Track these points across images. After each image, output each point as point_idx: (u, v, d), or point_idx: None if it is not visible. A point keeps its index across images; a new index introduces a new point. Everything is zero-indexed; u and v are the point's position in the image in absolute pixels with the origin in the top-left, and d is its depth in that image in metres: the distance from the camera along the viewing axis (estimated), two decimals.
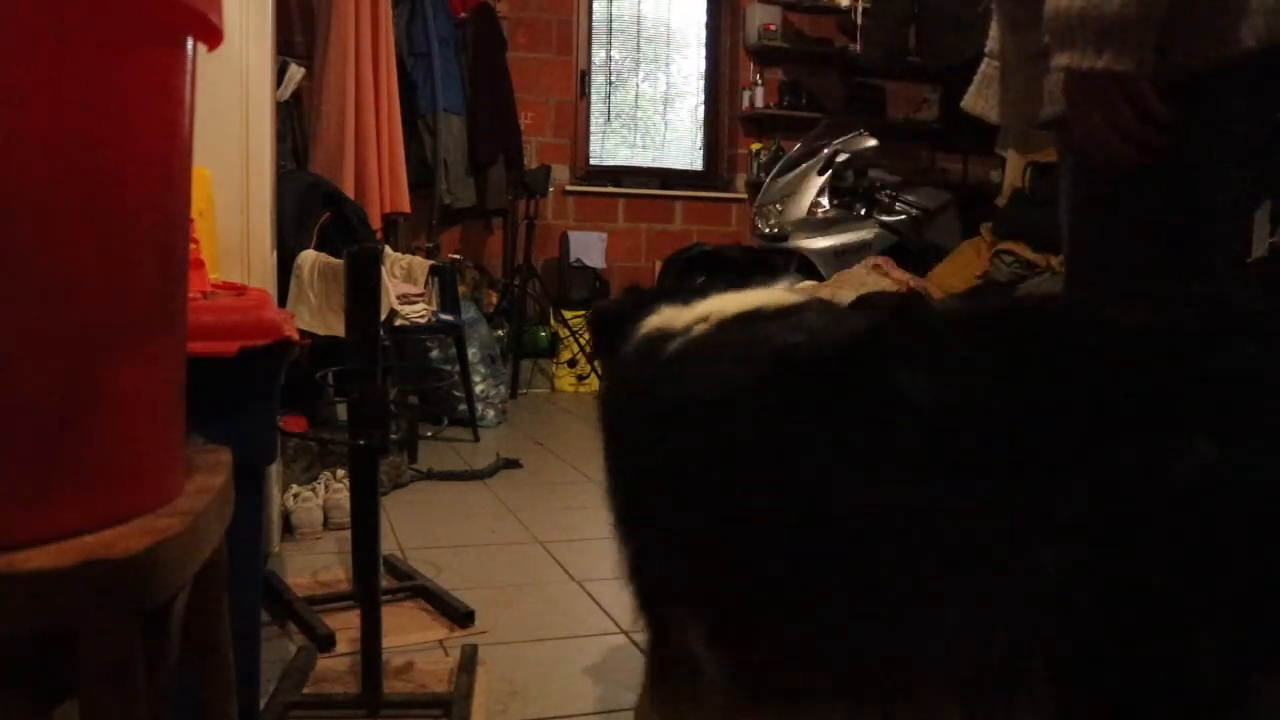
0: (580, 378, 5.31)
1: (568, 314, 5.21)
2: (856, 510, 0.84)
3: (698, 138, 6.05)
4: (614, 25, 5.81)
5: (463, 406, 4.00)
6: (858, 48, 5.64)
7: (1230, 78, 1.12)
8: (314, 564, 2.32)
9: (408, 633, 1.90)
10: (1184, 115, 1.14)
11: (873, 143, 4.58)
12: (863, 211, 4.62)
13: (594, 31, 5.71)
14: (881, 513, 0.83)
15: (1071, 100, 1.18)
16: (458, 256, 5.02)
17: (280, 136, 3.34)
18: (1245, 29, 1.09)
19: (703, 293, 1.14)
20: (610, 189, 5.67)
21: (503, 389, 4.50)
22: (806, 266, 4.41)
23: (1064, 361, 0.82)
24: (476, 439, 3.87)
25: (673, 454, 1.00)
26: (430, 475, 3.20)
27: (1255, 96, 1.15)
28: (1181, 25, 1.12)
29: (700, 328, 1.05)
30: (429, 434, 3.91)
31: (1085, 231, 1.27)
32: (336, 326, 3.13)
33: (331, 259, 3.28)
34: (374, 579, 1.57)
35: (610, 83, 5.85)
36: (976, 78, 1.26)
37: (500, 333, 4.90)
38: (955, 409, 0.82)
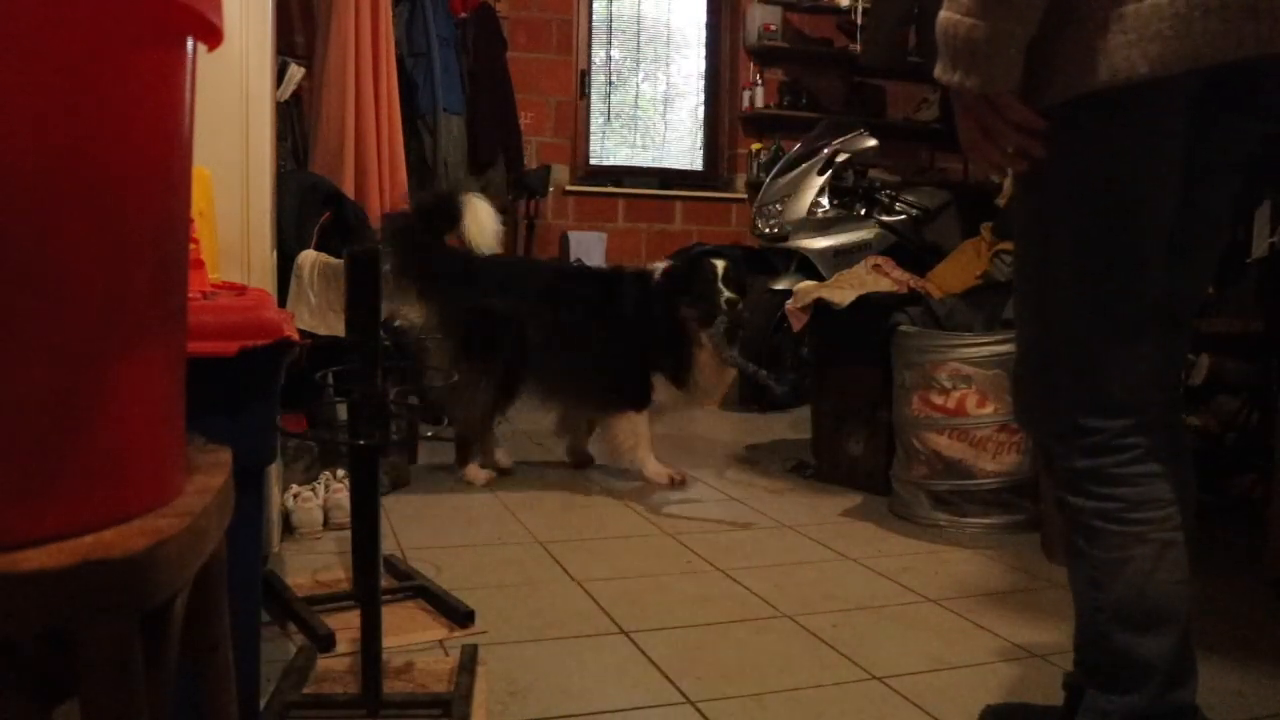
0: None
1: None
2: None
3: (698, 138, 6.05)
4: (614, 25, 5.81)
5: None
6: (858, 48, 5.64)
7: (1131, 99, 1.16)
8: (314, 564, 2.32)
9: (408, 633, 1.90)
10: (1099, 131, 1.20)
11: (873, 143, 4.58)
12: (863, 211, 4.62)
13: (594, 31, 5.71)
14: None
15: (955, 110, 1.25)
16: None
17: (280, 136, 3.35)
18: (1102, 65, 1.14)
19: None
20: (610, 189, 5.67)
21: None
22: (806, 266, 4.41)
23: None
24: None
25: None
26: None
27: (1192, 114, 1.20)
28: (1041, 59, 1.18)
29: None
30: (429, 434, 3.91)
31: (1024, 247, 1.34)
32: (336, 326, 3.13)
33: (331, 259, 3.27)
34: (374, 579, 1.57)
35: (610, 83, 5.85)
36: None
37: None
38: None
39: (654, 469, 3.20)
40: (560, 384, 3.28)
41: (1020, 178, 1.30)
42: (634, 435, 3.20)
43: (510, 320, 3.16)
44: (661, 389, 3.21)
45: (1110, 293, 1.25)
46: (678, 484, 3.16)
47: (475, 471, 3.21)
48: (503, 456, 3.35)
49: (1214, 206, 1.31)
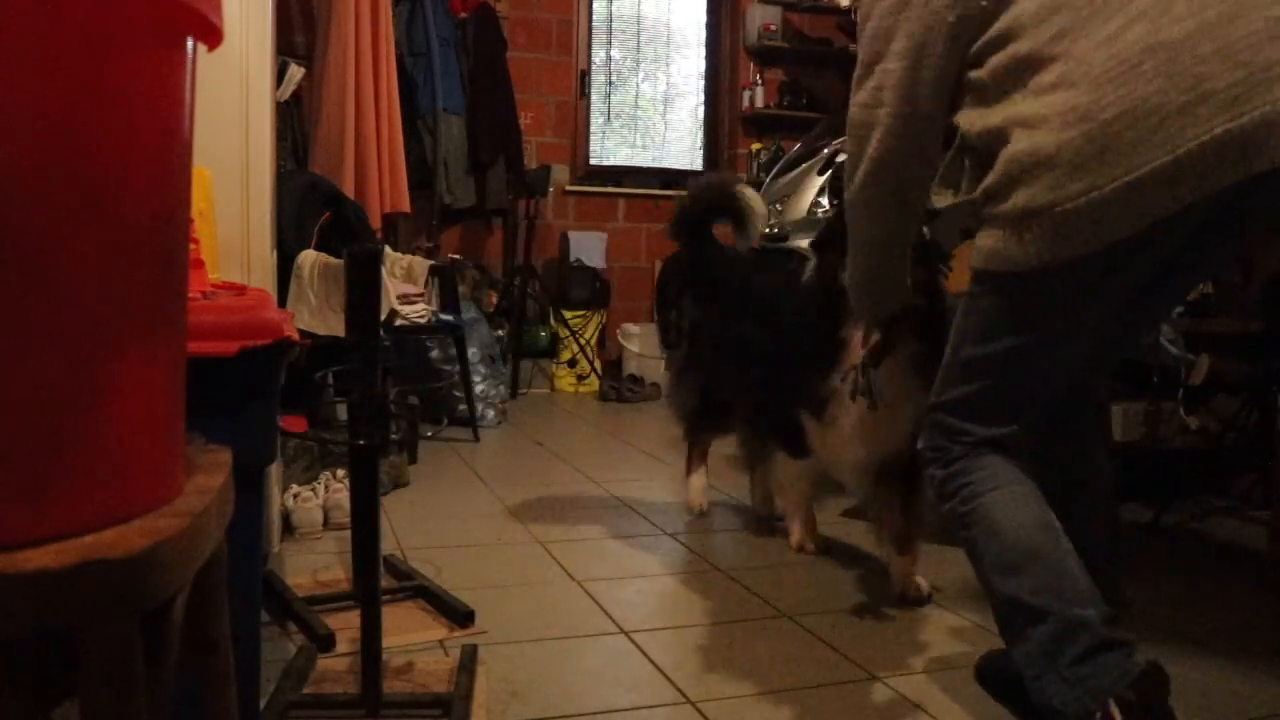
0: (580, 378, 5.31)
1: (568, 314, 5.20)
2: None
3: (698, 138, 6.05)
4: (614, 25, 5.81)
5: (463, 406, 4.01)
6: (858, 48, 5.63)
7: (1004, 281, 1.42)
8: (314, 564, 2.32)
9: (408, 633, 1.90)
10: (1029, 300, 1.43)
11: None
12: None
13: (594, 31, 5.71)
14: None
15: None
16: (458, 257, 5.02)
17: (280, 136, 3.35)
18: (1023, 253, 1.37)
19: None
20: (610, 189, 5.67)
21: (503, 389, 4.50)
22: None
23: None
24: (476, 439, 3.88)
25: None
26: None
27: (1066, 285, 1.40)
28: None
29: None
30: (429, 434, 3.91)
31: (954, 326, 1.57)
32: (336, 326, 3.13)
33: (331, 259, 3.28)
34: (374, 579, 1.57)
35: (610, 83, 5.85)
36: None
37: (500, 333, 4.90)
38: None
39: (796, 529, 2.52)
40: (731, 412, 2.72)
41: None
42: (784, 481, 2.50)
43: (700, 329, 2.73)
44: (810, 430, 2.23)
45: (994, 398, 1.50)
46: (809, 550, 2.50)
47: (690, 483, 2.88)
48: (696, 481, 2.91)
49: (1156, 312, 1.63)
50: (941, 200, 1.56)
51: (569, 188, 5.55)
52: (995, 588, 1.44)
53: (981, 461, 1.49)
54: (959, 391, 1.52)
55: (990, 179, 1.40)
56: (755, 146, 5.78)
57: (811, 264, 2.27)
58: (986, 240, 1.43)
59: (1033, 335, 1.44)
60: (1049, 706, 1.34)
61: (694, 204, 2.74)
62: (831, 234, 2.16)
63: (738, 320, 2.52)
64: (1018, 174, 1.35)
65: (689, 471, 2.90)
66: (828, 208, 4.56)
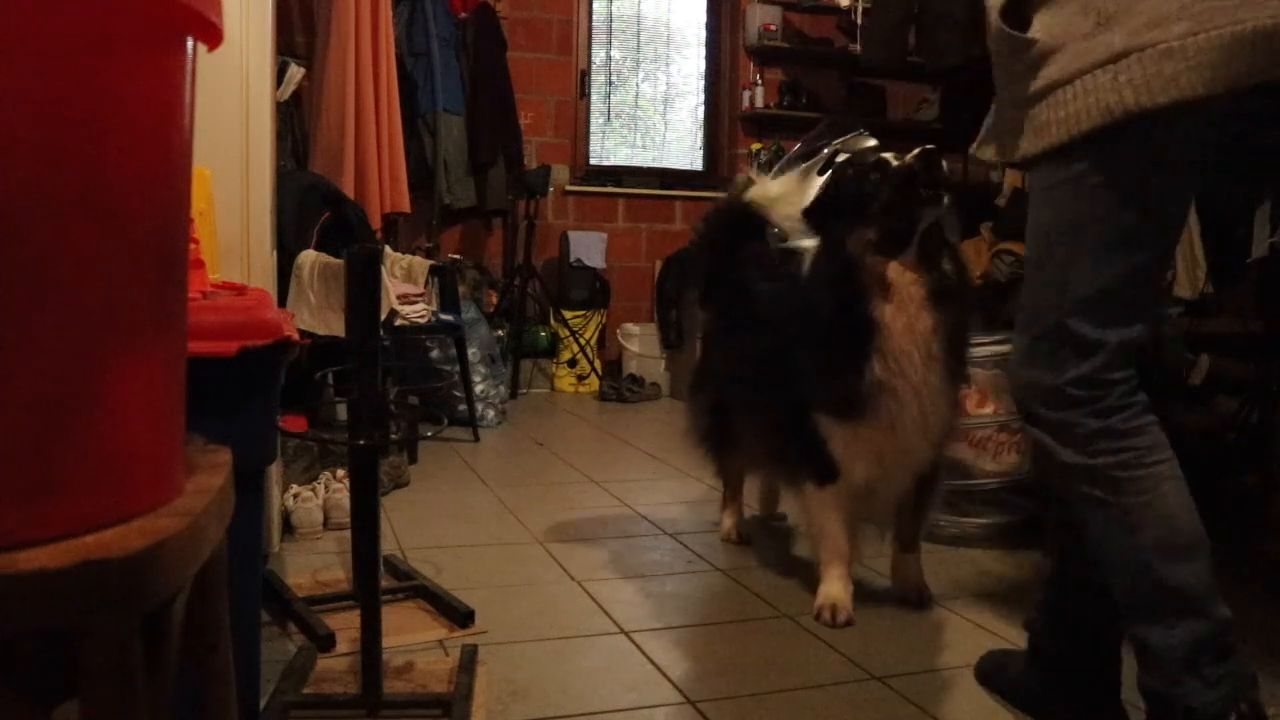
0: (580, 378, 5.31)
1: (568, 314, 5.20)
2: None
3: (698, 138, 6.04)
4: (614, 25, 5.81)
5: (463, 406, 4.01)
6: (858, 48, 5.64)
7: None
8: (314, 564, 2.32)
9: (408, 633, 1.90)
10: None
11: (872, 143, 4.56)
12: None
13: (594, 31, 5.71)
14: None
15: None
16: (458, 256, 5.02)
17: (280, 136, 3.35)
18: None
19: None
20: (610, 189, 5.67)
21: (503, 389, 4.50)
22: None
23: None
24: (476, 439, 3.88)
25: None
26: None
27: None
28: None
29: None
30: (429, 434, 3.91)
31: (1054, 233, 1.42)
32: (336, 326, 3.13)
33: (331, 259, 3.28)
34: (374, 579, 1.57)
35: (610, 83, 5.84)
36: (984, 126, 1.52)
37: (500, 333, 4.90)
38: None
39: (827, 585, 2.05)
40: (741, 433, 2.44)
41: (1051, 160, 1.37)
42: (811, 519, 2.11)
43: (712, 340, 2.52)
44: (837, 439, 1.97)
45: (1130, 285, 1.36)
46: (837, 621, 2.00)
47: (723, 519, 2.66)
48: (727, 518, 2.64)
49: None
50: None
51: (569, 188, 5.55)
52: (1155, 570, 1.33)
53: (1144, 420, 1.37)
54: (1086, 289, 1.35)
55: (1083, 23, 1.29)
56: (755, 146, 5.78)
57: (810, 244, 2.06)
58: (1062, 108, 1.31)
59: (1135, 204, 1.32)
60: (1185, 706, 1.30)
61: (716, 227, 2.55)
62: (830, 197, 2.01)
63: (745, 326, 2.31)
64: (1114, 10, 1.26)
65: (723, 507, 2.66)
66: None
